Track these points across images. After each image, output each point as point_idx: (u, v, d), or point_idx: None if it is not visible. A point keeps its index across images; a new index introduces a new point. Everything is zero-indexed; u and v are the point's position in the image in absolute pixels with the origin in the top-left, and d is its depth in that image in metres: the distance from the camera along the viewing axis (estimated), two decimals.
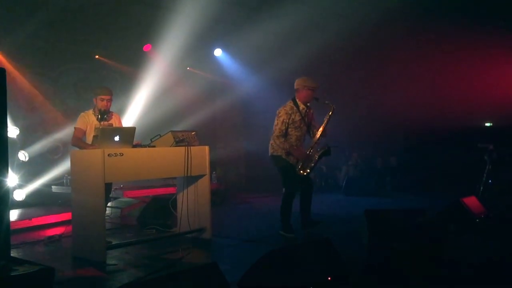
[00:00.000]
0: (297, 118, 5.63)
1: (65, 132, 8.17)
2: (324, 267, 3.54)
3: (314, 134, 5.75)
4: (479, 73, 9.71)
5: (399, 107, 10.53)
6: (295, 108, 5.64)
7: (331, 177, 10.48)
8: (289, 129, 5.62)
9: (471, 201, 5.73)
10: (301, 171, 5.60)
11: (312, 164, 5.63)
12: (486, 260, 4.27)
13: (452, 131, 9.94)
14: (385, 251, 4.03)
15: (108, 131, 4.89)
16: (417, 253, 3.86)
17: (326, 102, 5.67)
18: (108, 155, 4.54)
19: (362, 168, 10.35)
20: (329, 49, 9.99)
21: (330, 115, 5.70)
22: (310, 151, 5.66)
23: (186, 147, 5.21)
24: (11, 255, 3.36)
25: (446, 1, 9.12)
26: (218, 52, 10.73)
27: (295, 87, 5.74)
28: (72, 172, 4.94)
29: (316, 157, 5.63)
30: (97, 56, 9.34)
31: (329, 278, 3.49)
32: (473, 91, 9.82)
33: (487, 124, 10.52)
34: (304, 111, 5.69)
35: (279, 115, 5.62)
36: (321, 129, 5.70)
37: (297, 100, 5.70)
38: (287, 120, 5.58)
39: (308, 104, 5.74)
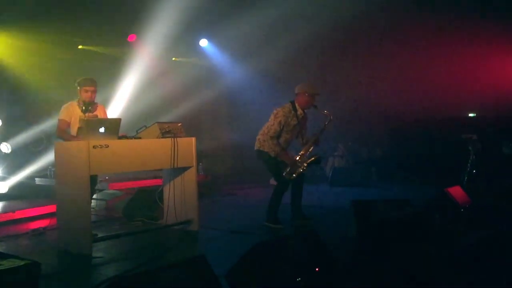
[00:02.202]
0: (293, 122, 5.63)
1: (49, 124, 8.04)
2: (312, 258, 3.55)
3: (306, 141, 5.73)
4: (463, 64, 9.77)
5: (384, 98, 10.58)
6: (293, 112, 5.62)
7: (318, 168, 10.50)
8: (282, 131, 5.61)
9: (456, 191, 5.79)
10: (288, 175, 5.60)
11: (300, 170, 5.61)
12: (471, 247, 4.33)
13: (437, 121, 10.02)
14: (373, 241, 4.06)
15: (93, 123, 4.82)
16: (404, 244, 3.90)
17: (325, 111, 5.67)
18: (93, 147, 4.48)
19: (348, 159, 10.39)
20: (315, 40, 9.99)
21: (326, 125, 5.72)
22: (299, 158, 5.65)
23: (173, 139, 5.17)
24: None
25: None
26: (204, 43, 10.64)
27: (296, 91, 5.72)
28: (56, 164, 4.87)
29: (305, 164, 5.62)
30: (80, 46, 9.19)
31: (316, 269, 3.50)
32: (457, 82, 9.90)
33: (471, 115, 10.62)
34: (301, 116, 5.68)
35: (277, 115, 5.58)
36: (315, 137, 5.71)
37: (296, 104, 5.68)
38: (283, 123, 5.56)
39: (306, 110, 5.73)
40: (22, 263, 2.66)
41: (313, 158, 5.66)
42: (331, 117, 5.68)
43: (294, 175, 5.61)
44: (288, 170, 5.59)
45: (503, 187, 6.82)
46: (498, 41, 9.28)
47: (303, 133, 5.80)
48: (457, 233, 4.79)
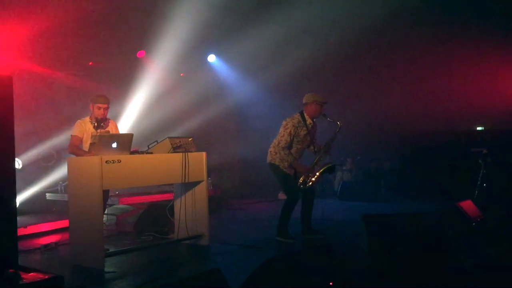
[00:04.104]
0: (303, 132, 5.66)
1: (59, 139, 8.10)
2: (325, 273, 3.53)
3: (318, 150, 5.76)
4: (472, 77, 9.80)
5: (392, 111, 10.60)
6: (302, 122, 5.66)
7: (326, 182, 10.49)
8: (293, 142, 5.64)
9: (468, 205, 5.77)
10: (302, 186, 5.61)
11: (314, 179, 5.63)
12: (486, 262, 4.30)
13: (445, 135, 10.00)
14: (386, 256, 4.04)
15: (105, 138, 4.87)
16: (418, 258, 3.87)
17: (336, 121, 5.69)
18: (106, 162, 4.52)
19: (356, 173, 10.37)
20: (322, 54, 10.06)
21: (337, 133, 5.75)
22: (313, 167, 5.67)
23: (184, 153, 5.20)
24: None
25: (438, 6, 9.22)
26: (211, 58, 10.73)
27: (304, 101, 5.76)
28: (69, 179, 4.90)
29: (318, 173, 5.64)
30: (91, 63, 9.30)
31: (330, 283, 3.49)
32: (465, 96, 9.92)
33: (479, 128, 10.61)
34: (310, 126, 5.72)
35: (286, 126, 5.61)
36: (327, 145, 5.74)
37: (305, 114, 5.72)
38: (293, 133, 5.59)
39: (315, 119, 5.77)
40: (46, 277, 2.67)
41: (326, 167, 5.68)
42: (341, 125, 5.70)
43: (308, 184, 5.61)
44: (302, 179, 5.60)
45: None
46: (507, 54, 9.30)
47: (314, 142, 5.82)
48: (470, 247, 4.76)
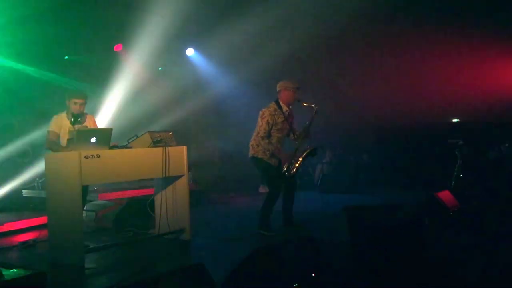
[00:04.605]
0: (280, 120, 5.66)
1: (35, 135, 7.96)
2: (308, 263, 3.56)
3: (297, 136, 5.79)
4: (448, 70, 9.95)
5: (370, 104, 10.70)
6: (278, 110, 5.66)
7: (306, 175, 10.55)
8: (272, 131, 5.64)
9: (445, 195, 5.87)
10: (287, 173, 5.63)
11: (297, 165, 5.66)
12: (462, 251, 4.40)
13: (423, 127, 10.16)
14: (366, 247, 4.09)
15: (84, 133, 4.80)
16: (396, 248, 3.93)
17: (310, 104, 5.71)
18: (85, 157, 4.45)
19: (336, 166, 10.46)
20: (300, 47, 10.07)
21: (313, 117, 5.76)
22: (295, 153, 5.69)
23: (164, 148, 5.16)
24: None
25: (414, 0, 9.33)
26: (190, 52, 10.65)
27: (277, 89, 5.78)
28: (47, 175, 4.81)
29: (301, 158, 5.67)
30: (66, 57, 9.13)
31: (313, 274, 3.52)
32: (442, 88, 10.07)
33: (455, 120, 10.80)
34: (287, 113, 5.73)
35: (263, 116, 5.62)
36: (305, 130, 5.76)
37: (280, 102, 5.73)
38: (271, 122, 5.59)
39: (291, 106, 5.78)
40: (28, 273, 2.63)
41: (307, 151, 5.71)
42: (317, 108, 5.71)
43: (293, 171, 5.63)
44: (286, 167, 5.61)
45: (490, 191, 6.94)
46: (482, 47, 9.46)
47: (292, 129, 5.84)
48: (447, 237, 4.86)
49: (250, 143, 5.77)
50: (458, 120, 10.76)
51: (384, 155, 10.43)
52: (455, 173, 7.50)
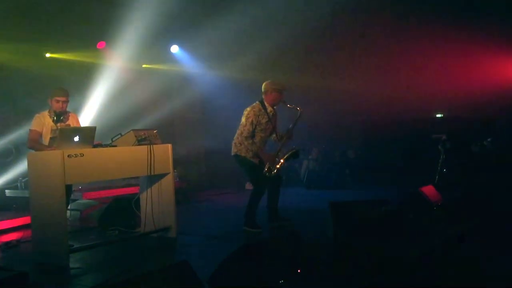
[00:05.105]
0: (264, 120, 5.67)
1: (17, 134, 7.85)
2: (293, 260, 3.58)
3: (280, 137, 5.80)
4: (432, 65, 10.03)
5: (355, 101, 10.75)
6: (263, 110, 5.67)
7: (292, 171, 10.59)
8: (255, 131, 5.64)
9: (429, 190, 5.94)
10: (268, 173, 5.64)
11: (278, 166, 5.67)
12: (444, 244, 4.44)
13: (406, 123, 10.24)
14: (350, 242, 4.13)
15: (67, 132, 4.75)
16: (380, 243, 3.97)
17: (295, 106, 5.72)
18: (68, 156, 4.41)
19: (322, 162, 10.51)
20: (286, 44, 10.07)
21: (297, 119, 5.78)
22: (277, 154, 5.71)
23: (149, 146, 5.14)
24: None
25: None
26: (174, 49, 10.59)
27: (262, 89, 5.78)
28: (30, 174, 4.76)
29: (283, 160, 5.68)
30: (48, 54, 9.02)
31: (298, 271, 3.54)
32: (425, 83, 10.15)
33: (438, 115, 10.91)
34: (271, 113, 5.73)
35: (248, 115, 5.61)
36: (288, 132, 5.78)
37: (265, 102, 5.73)
38: (255, 122, 5.59)
39: (275, 107, 5.79)
40: (9, 274, 2.59)
41: (290, 152, 5.74)
42: (301, 111, 5.74)
43: (274, 172, 5.65)
44: (267, 167, 5.63)
45: (473, 185, 7.03)
46: (466, 42, 9.54)
47: (275, 130, 5.85)
48: (430, 230, 4.91)
49: (233, 141, 5.77)
50: (442, 115, 10.86)
51: (370, 151, 10.51)
52: (438, 168, 7.58)
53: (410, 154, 9.56)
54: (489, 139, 8.21)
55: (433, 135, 8.20)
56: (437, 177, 7.50)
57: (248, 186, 9.38)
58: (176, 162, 8.55)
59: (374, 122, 10.65)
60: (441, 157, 7.67)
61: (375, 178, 9.62)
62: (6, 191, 7.56)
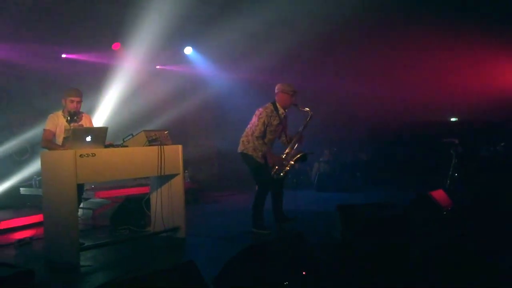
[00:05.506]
0: (275, 122, 5.71)
1: (33, 133, 8.00)
2: (298, 261, 3.60)
3: (290, 139, 5.83)
4: (446, 69, 9.97)
5: (368, 103, 10.73)
6: (274, 111, 5.71)
7: (303, 174, 10.60)
8: (265, 132, 5.69)
9: (439, 194, 5.91)
10: (275, 175, 5.68)
11: (287, 168, 5.71)
12: (452, 249, 4.43)
13: (420, 126, 10.19)
14: (356, 243, 4.14)
15: (79, 132, 4.84)
16: (387, 247, 3.97)
17: (306, 108, 5.77)
18: (80, 155, 4.49)
19: (333, 165, 10.50)
20: (299, 46, 10.09)
21: (307, 122, 5.82)
22: (285, 156, 5.74)
23: (159, 147, 5.20)
24: None
25: None
26: (188, 50, 10.68)
27: (275, 91, 5.82)
28: (43, 173, 4.86)
29: (292, 162, 5.72)
30: (64, 55, 9.17)
31: (303, 273, 3.56)
32: (439, 87, 10.09)
33: (453, 119, 10.83)
34: (282, 115, 5.77)
35: (260, 116, 5.65)
36: (298, 134, 5.80)
37: (277, 104, 5.77)
38: (267, 122, 5.64)
39: (286, 109, 5.82)
40: (15, 271, 2.66)
41: (298, 156, 5.77)
42: (312, 114, 5.77)
43: (281, 174, 5.68)
44: (275, 169, 5.66)
45: (483, 189, 6.98)
46: (480, 46, 9.47)
47: (285, 132, 5.88)
48: (438, 234, 4.90)
49: (241, 139, 5.81)
50: (457, 119, 10.78)
51: (381, 154, 10.47)
52: (450, 172, 7.53)
53: (423, 158, 9.50)
54: (502, 144, 8.14)
55: (445, 139, 8.15)
56: (448, 181, 7.46)
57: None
58: (188, 163, 8.69)
59: (386, 125, 10.60)
60: (453, 161, 7.62)
61: (386, 181, 9.59)
62: (21, 189, 7.71)
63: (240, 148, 5.81)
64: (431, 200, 5.70)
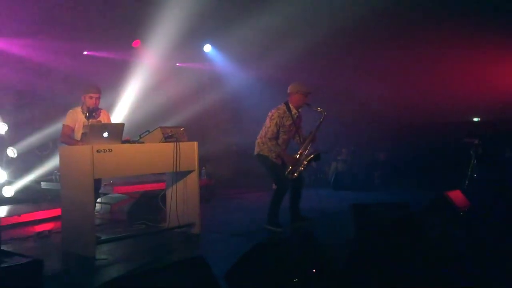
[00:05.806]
0: (288, 122, 5.72)
1: (55, 128, 8.14)
2: (308, 259, 3.61)
3: (304, 139, 5.83)
4: (468, 68, 9.81)
5: (388, 102, 10.63)
6: (287, 112, 5.72)
7: (320, 172, 10.56)
8: (279, 132, 5.70)
9: (456, 195, 5.83)
10: (290, 175, 5.69)
11: (301, 168, 5.73)
12: (468, 251, 4.38)
13: (439, 126, 10.05)
14: (371, 244, 4.11)
15: (97, 128, 4.92)
16: (401, 247, 3.94)
17: (319, 109, 5.77)
18: (97, 151, 4.58)
19: (351, 163, 10.44)
20: (318, 44, 10.05)
21: (321, 122, 5.82)
22: (299, 156, 5.75)
23: (175, 143, 5.26)
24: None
25: None
26: (207, 48, 10.74)
27: (288, 91, 5.83)
28: (61, 168, 4.97)
29: (305, 162, 5.73)
30: (85, 52, 9.32)
31: (313, 271, 3.56)
32: (461, 86, 9.94)
33: (475, 119, 10.66)
34: (295, 116, 5.77)
35: (272, 117, 5.68)
36: (311, 135, 5.80)
37: (290, 104, 5.77)
38: (279, 123, 5.65)
39: (300, 109, 5.82)
40: (25, 260, 2.75)
41: (312, 156, 5.77)
42: (325, 114, 5.76)
43: (296, 174, 5.70)
44: (289, 169, 5.68)
45: (503, 191, 6.85)
46: (502, 45, 9.30)
47: (299, 132, 5.88)
48: (454, 235, 4.84)
49: (257, 141, 5.84)
50: (479, 119, 10.60)
51: (399, 154, 10.35)
52: (468, 173, 7.42)
53: (441, 158, 9.38)
54: None
55: (465, 139, 8.03)
56: (466, 182, 7.34)
57: (275, 186, 9.42)
58: (206, 160, 8.76)
59: (406, 124, 10.49)
60: (472, 161, 7.50)
61: (404, 181, 9.49)
62: (42, 183, 7.87)
63: (256, 150, 5.86)
64: (447, 201, 5.63)
